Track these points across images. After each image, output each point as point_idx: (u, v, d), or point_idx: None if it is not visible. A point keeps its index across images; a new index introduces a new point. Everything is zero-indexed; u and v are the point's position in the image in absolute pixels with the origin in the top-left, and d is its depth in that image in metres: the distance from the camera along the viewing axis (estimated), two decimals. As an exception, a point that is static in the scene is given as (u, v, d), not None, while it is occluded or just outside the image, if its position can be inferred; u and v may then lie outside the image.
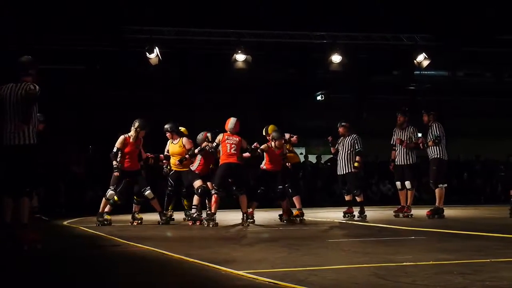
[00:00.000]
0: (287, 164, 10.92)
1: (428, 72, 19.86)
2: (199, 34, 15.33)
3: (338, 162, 11.76)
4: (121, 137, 10.52)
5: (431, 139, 11.48)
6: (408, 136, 11.82)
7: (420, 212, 12.10)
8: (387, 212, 12.89)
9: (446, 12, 15.36)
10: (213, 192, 10.18)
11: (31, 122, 6.79)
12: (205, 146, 10.61)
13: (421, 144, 11.66)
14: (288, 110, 20.65)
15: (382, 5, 15.26)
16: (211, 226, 9.95)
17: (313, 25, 15.52)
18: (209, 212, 10.33)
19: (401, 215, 11.72)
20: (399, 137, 11.87)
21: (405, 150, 11.79)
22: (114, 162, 10.40)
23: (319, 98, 21.65)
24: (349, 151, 11.55)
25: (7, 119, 6.79)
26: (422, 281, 4.63)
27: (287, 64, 19.11)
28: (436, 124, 11.51)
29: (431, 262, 5.49)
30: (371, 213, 13.09)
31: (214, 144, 10.35)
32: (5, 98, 6.84)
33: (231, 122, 10.35)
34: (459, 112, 21.44)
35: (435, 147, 11.42)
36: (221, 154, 10.29)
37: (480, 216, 12.32)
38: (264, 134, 10.94)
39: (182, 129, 11.32)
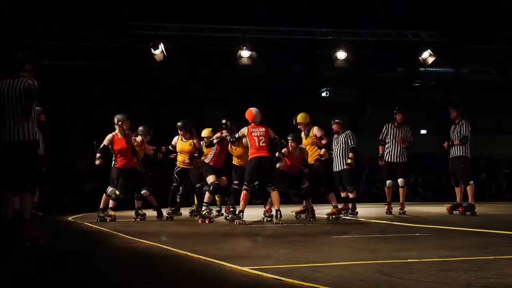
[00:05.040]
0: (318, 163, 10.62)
1: (432, 69, 19.85)
2: (204, 30, 15.31)
3: (334, 159, 11.75)
4: (109, 135, 10.58)
5: (457, 138, 11.45)
6: (404, 135, 11.78)
7: (427, 209, 12.08)
8: (392, 209, 12.85)
9: (451, 9, 15.34)
10: (243, 188, 9.84)
11: (31, 118, 6.76)
12: (215, 138, 10.54)
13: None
14: (292, 106, 20.59)
15: (387, 2, 15.26)
16: (238, 224, 9.60)
17: (318, 21, 15.51)
18: (235, 209, 10.10)
19: (400, 211, 11.64)
20: (395, 135, 11.79)
21: (400, 148, 11.74)
22: (98, 154, 10.48)
23: (324, 94, 21.65)
24: (343, 148, 11.55)
25: (6, 115, 6.74)
26: (427, 278, 4.63)
27: (292, 60, 19.11)
28: (465, 123, 11.50)
29: (435, 259, 5.49)
30: (377, 209, 13.07)
31: (236, 135, 10.03)
32: (4, 94, 6.77)
33: (255, 113, 9.93)
34: (464, 109, 21.39)
35: (461, 146, 11.42)
36: (249, 148, 9.91)
37: (485, 213, 12.29)
38: (294, 124, 10.61)
39: (206, 130, 11.10)
